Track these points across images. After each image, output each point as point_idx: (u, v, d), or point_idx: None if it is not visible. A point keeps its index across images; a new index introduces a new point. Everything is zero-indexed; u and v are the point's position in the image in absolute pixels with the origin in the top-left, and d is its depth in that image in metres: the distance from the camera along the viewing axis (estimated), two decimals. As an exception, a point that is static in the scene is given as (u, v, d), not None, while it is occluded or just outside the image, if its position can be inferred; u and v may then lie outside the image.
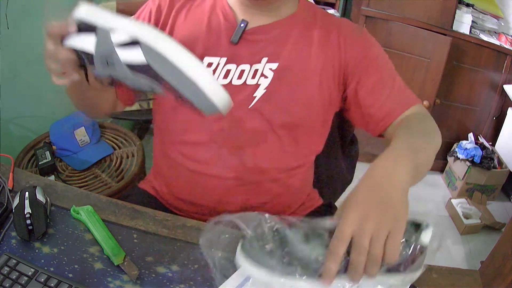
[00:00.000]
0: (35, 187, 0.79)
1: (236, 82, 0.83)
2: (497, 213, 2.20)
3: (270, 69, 0.82)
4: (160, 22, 0.88)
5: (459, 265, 1.95)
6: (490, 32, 2.18)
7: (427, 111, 0.85)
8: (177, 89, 0.56)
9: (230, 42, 0.83)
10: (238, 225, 0.60)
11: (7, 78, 1.51)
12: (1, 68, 1.48)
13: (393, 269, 0.58)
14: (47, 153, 1.54)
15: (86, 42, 0.60)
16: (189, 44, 0.80)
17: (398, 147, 0.63)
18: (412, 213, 0.57)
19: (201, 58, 0.83)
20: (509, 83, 2.17)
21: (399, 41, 2.14)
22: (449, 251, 2.02)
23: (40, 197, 0.77)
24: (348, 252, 0.54)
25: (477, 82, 2.24)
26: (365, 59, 0.83)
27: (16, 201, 0.76)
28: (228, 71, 0.83)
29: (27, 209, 0.74)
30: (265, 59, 0.83)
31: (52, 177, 1.50)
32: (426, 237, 0.58)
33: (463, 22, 2.10)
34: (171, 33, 0.86)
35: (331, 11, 2.30)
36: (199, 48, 0.84)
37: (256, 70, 0.83)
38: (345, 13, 2.61)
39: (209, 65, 0.83)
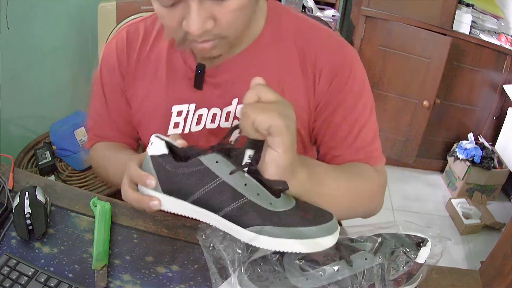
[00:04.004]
0: (35, 187, 0.79)
1: (210, 126, 0.79)
2: (497, 213, 2.20)
3: None
4: (124, 76, 0.83)
5: (459, 265, 1.95)
6: (490, 32, 2.18)
7: (381, 177, 0.79)
8: None
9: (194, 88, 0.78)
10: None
11: (7, 78, 1.51)
12: (1, 68, 1.48)
13: (391, 283, 0.59)
14: (47, 153, 1.55)
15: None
16: (155, 95, 0.80)
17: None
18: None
19: (169, 107, 0.80)
20: (509, 83, 2.17)
21: (399, 41, 2.14)
22: (449, 251, 2.02)
23: (40, 197, 0.77)
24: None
25: (477, 82, 2.24)
26: (348, 93, 0.77)
27: (16, 201, 0.76)
28: (200, 116, 0.79)
29: (27, 209, 0.74)
30: (235, 100, 0.77)
31: (52, 177, 1.51)
32: (424, 253, 0.61)
33: (463, 22, 2.10)
34: (134, 86, 0.83)
35: (331, 11, 2.30)
36: (166, 97, 0.80)
37: (228, 113, 0.78)
38: (345, 13, 2.61)
39: (179, 113, 0.80)
